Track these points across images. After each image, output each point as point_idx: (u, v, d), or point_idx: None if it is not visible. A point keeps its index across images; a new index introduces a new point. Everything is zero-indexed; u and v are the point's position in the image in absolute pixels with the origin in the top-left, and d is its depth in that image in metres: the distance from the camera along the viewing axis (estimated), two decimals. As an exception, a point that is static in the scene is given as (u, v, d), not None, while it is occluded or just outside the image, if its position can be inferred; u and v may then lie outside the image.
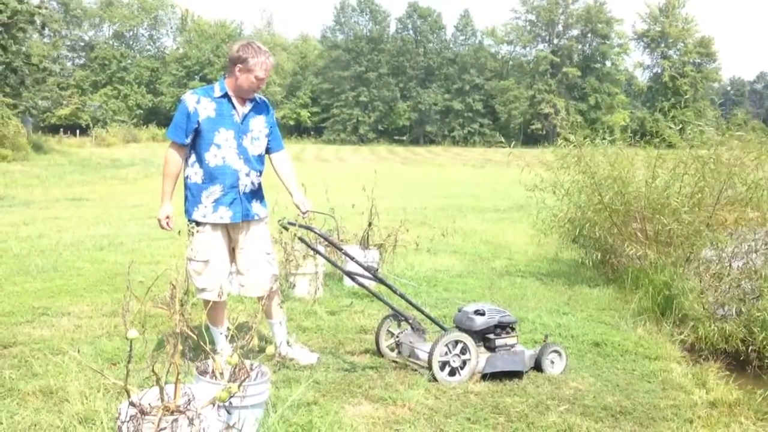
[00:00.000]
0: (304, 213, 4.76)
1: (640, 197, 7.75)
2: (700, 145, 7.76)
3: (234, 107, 4.50)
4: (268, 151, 4.73)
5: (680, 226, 7.23)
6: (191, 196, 4.51)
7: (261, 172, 4.67)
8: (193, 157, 4.52)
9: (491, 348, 4.75)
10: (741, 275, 6.80)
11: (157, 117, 69.99)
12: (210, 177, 4.45)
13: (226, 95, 4.49)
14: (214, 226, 4.51)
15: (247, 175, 4.55)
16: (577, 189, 8.44)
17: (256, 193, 4.65)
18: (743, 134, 7.61)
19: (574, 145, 8.25)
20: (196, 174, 4.49)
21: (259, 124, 4.61)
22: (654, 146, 8.16)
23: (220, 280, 4.52)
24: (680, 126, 8.10)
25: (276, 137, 4.77)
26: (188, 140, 4.46)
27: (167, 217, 4.50)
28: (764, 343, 5.82)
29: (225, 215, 4.49)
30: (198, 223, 4.49)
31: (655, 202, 7.61)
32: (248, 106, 4.57)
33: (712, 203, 7.34)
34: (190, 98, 4.47)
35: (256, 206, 4.63)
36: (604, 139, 8.54)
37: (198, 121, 4.42)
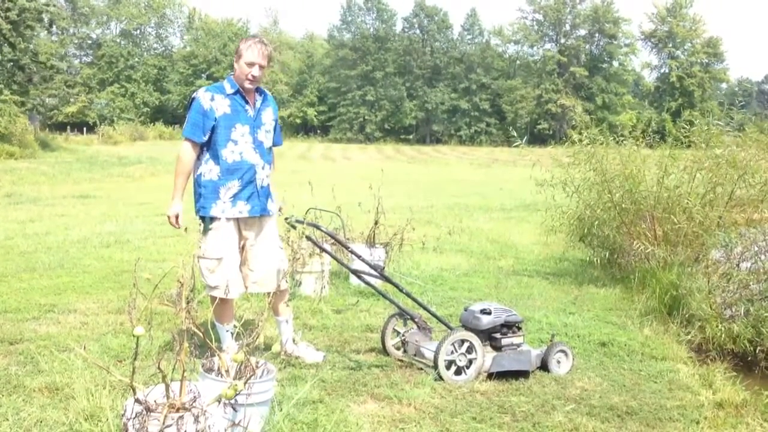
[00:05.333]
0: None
1: (650, 196, 7.72)
2: (716, 144, 7.73)
3: (247, 102, 4.53)
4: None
5: (691, 225, 7.21)
6: (207, 192, 4.51)
7: (271, 165, 4.73)
8: (207, 155, 4.54)
9: (497, 347, 4.74)
10: (749, 276, 6.76)
11: (164, 115, 70.19)
12: (228, 173, 4.47)
13: (238, 92, 4.52)
14: (228, 223, 4.51)
15: (263, 168, 4.60)
16: (588, 186, 8.41)
17: (269, 188, 4.69)
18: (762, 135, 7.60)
19: (588, 142, 8.23)
20: (211, 171, 4.50)
21: (268, 117, 4.67)
22: (669, 146, 8.14)
23: (233, 277, 4.52)
24: (701, 126, 8.04)
25: (278, 132, 4.82)
26: (205, 138, 4.49)
27: (177, 215, 4.51)
28: (772, 343, 5.79)
29: (243, 209, 4.52)
30: (212, 220, 4.50)
31: (665, 201, 7.58)
32: (259, 99, 4.61)
33: (724, 203, 7.31)
34: (204, 96, 4.49)
35: (269, 202, 4.67)
36: (615, 136, 8.48)
37: (215, 118, 4.44)
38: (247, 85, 4.51)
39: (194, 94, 4.57)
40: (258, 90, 4.64)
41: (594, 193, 8.38)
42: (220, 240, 4.51)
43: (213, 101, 4.47)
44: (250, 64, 4.47)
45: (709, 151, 7.65)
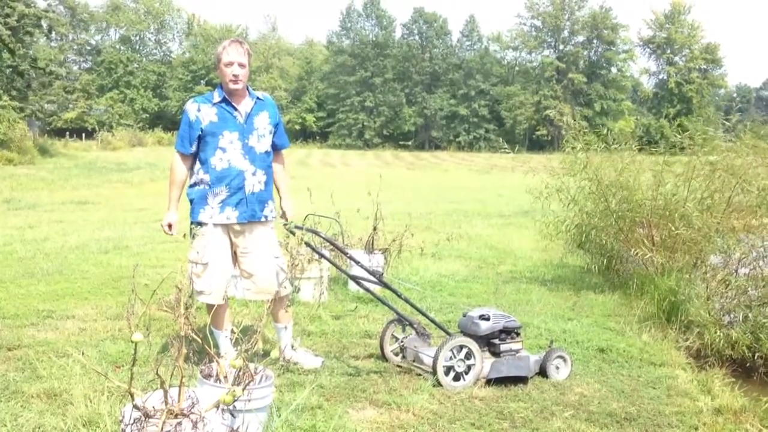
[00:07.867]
0: (287, 221, 4.81)
1: (646, 204, 7.72)
2: (710, 151, 7.74)
3: (235, 109, 4.53)
4: (273, 147, 4.75)
5: (689, 232, 7.21)
6: (197, 199, 4.54)
7: (269, 170, 4.70)
8: (198, 164, 4.56)
9: (496, 353, 4.74)
10: (748, 282, 6.77)
11: (163, 121, 70.20)
12: (216, 180, 4.48)
13: (224, 99, 4.53)
14: (216, 228, 4.51)
15: (254, 174, 4.56)
16: (584, 195, 8.41)
17: (264, 195, 4.65)
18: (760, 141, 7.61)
19: (583, 148, 8.21)
20: (202, 180, 4.53)
21: (263, 121, 4.64)
22: (663, 153, 8.13)
23: (219, 283, 4.53)
24: (687, 133, 8.05)
25: (280, 135, 4.81)
26: (193, 149, 4.52)
27: (170, 224, 4.54)
28: (771, 349, 5.80)
29: (231, 216, 4.51)
30: (200, 224, 4.50)
31: (662, 209, 7.59)
32: (250, 104, 4.60)
33: (723, 209, 7.32)
34: (191, 107, 4.54)
35: (262, 208, 4.64)
36: (611, 144, 8.47)
37: (201, 128, 4.46)
38: (232, 86, 4.49)
39: (185, 106, 4.61)
40: (251, 95, 4.64)
41: (590, 202, 8.37)
42: (207, 245, 4.51)
43: (199, 112, 4.50)
44: (228, 64, 4.47)
45: (703, 158, 7.64)
